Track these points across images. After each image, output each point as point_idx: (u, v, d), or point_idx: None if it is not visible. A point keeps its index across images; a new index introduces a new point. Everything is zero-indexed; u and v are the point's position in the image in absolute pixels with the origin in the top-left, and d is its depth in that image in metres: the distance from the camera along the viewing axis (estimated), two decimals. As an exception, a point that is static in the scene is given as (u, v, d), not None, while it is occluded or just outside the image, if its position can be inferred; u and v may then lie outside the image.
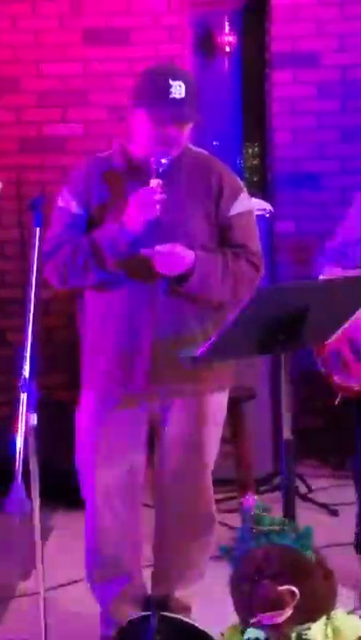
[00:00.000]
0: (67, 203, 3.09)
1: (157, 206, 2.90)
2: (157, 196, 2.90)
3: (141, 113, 2.98)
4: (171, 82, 2.93)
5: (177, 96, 2.93)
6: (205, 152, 3.22)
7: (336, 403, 3.71)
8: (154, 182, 2.92)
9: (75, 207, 3.07)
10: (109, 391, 3.11)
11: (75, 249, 3.01)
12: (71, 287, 3.12)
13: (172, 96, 2.93)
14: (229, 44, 5.35)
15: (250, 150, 5.52)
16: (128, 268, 2.99)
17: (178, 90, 2.93)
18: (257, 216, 4.92)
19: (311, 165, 5.33)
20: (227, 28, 5.34)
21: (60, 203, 3.11)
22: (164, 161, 2.93)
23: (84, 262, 3.00)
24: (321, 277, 3.73)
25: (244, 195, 3.16)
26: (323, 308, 2.77)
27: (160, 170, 2.93)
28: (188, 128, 3.01)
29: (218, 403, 3.21)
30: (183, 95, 2.93)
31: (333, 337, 3.04)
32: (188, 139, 3.06)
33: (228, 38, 5.34)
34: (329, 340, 3.13)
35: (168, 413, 3.12)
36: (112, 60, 5.28)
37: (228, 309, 3.07)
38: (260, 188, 5.41)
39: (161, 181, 2.92)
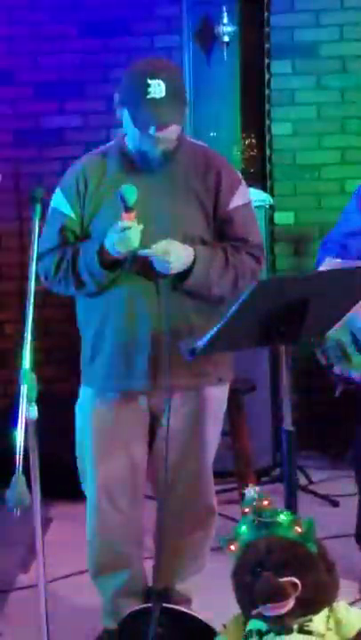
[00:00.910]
0: (59, 204, 3.09)
1: (136, 238, 2.87)
2: (133, 230, 2.86)
3: (125, 112, 2.95)
4: (149, 81, 2.85)
5: (155, 96, 2.84)
6: (203, 144, 3.20)
7: (337, 395, 3.70)
8: (127, 217, 2.87)
9: (67, 209, 3.07)
10: (109, 387, 3.10)
11: (59, 263, 3.03)
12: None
13: (149, 96, 2.85)
14: (228, 34, 5.32)
15: (248, 141, 5.50)
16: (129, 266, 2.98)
17: (157, 89, 2.84)
18: (256, 207, 4.93)
19: (310, 156, 5.32)
20: (225, 19, 5.31)
21: (54, 203, 3.11)
22: (133, 197, 2.86)
23: (64, 280, 3.04)
24: (321, 269, 3.72)
25: (243, 187, 3.14)
26: (323, 299, 2.76)
27: (130, 205, 2.86)
28: (174, 128, 2.95)
29: (218, 396, 3.20)
30: (163, 94, 2.85)
31: (334, 328, 3.03)
32: (178, 132, 2.99)
33: (226, 29, 5.31)
34: (330, 332, 3.12)
35: (168, 407, 3.11)
36: (109, 51, 5.27)
37: (230, 303, 3.05)
38: (259, 180, 5.39)
39: (133, 214, 2.87)
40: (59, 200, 3.09)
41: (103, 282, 2.99)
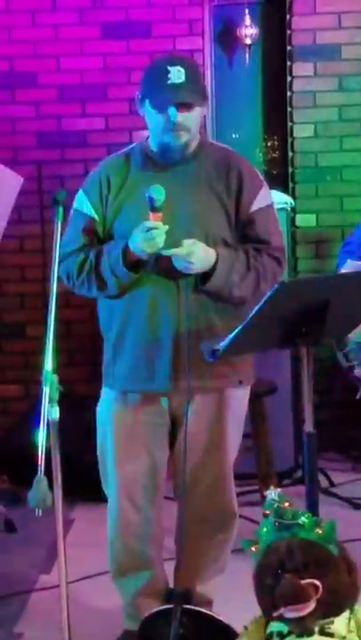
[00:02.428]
0: (82, 206, 3.10)
1: (160, 239, 2.88)
2: (158, 231, 2.88)
3: (147, 104, 3.00)
4: (168, 67, 2.94)
5: (176, 81, 2.92)
6: (225, 146, 3.21)
7: (358, 397, 3.70)
8: (153, 217, 2.89)
9: (90, 210, 3.08)
10: (130, 388, 3.11)
11: (82, 264, 3.04)
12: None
13: (170, 82, 2.92)
14: (250, 36, 5.33)
15: (270, 143, 5.50)
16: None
17: (176, 75, 2.92)
18: (278, 210, 4.93)
19: (332, 158, 5.32)
20: (247, 21, 5.32)
21: (76, 205, 3.12)
22: (161, 197, 2.87)
23: (87, 281, 3.04)
24: (342, 271, 3.73)
25: (265, 189, 3.14)
26: (344, 301, 2.76)
27: (157, 205, 2.88)
28: (194, 114, 2.98)
29: (238, 398, 3.20)
30: (183, 80, 2.92)
31: (355, 330, 3.02)
32: (198, 125, 3.02)
33: (248, 31, 5.32)
34: (351, 334, 3.12)
35: (189, 409, 3.11)
36: (132, 53, 5.28)
37: (251, 305, 3.06)
38: (281, 182, 5.40)
39: (160, 215, 2.89)
40: (81, 201, 3.11)
41: (126, 283, 3.00)
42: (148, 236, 2.88)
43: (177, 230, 2.94)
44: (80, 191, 3.14)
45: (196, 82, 2.99)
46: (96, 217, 3.08)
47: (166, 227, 2.88)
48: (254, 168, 3.19)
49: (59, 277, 2.86)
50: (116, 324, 3.11)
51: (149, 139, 3.09)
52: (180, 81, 2.92)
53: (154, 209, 2.88)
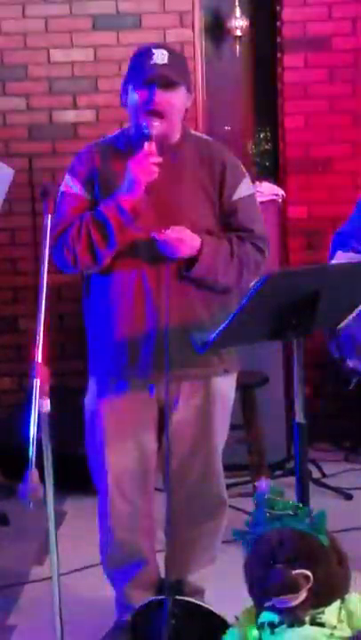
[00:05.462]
0: (71, 187, 3.09)
1: (155, 168, 2.90)
2: (154, 159, 2.91)
3: (130, 89, 3.00)
4: (153, 50, 2.97)
5: (159, 62, 2.95)
6: (207, 137, 3.24)
7: (350, 387, 3.71)
8: (148, 146, 2.92)
9: (80, 191, 3.07)
10: (116, 377, 3.11)
11: (80, 225, 3.00)
12: (81, 268, 3.07)
13: (153, 62, 2.95)
14: (240, 28, 5.32)
15: (261, 135, 5.50)
16: (136, 252, 2.99)
17: (160, 57, 2.95)
18: (269, 201, 4.94)
19: (323, 150, 5.32)
20: (237, 13, 5.31)
21: (64, 188, 3.10)
22: (156, 124, 2.92)
23: (89, 235, 2.98)
24: (333, 262, 3.73)
25: (247, 179, 3.17)
26: (335, 292, 2.77)
27: (152, 133, 2.92)
28: (176, 97, 2.99)
29: (225, 386, 3.21)
30: (166, 61, 2.95)
31: (346, 321, 3.03)
32: (179, 115, 3.03)
33: (238, 23, 5.31)
34: (342, 325, 3.13)
35: (176, 397, 3.12)
36: (122, 45, 5.26)
37: (234, 294, 3.09)
38: (272, 173, 5.40)
39: (155, 144, 2.92)
40: (70, 184, 3.09)
41: (125, 221, 2.95)
42: (147, 163, 2.89)
43: (163, 218, 2.95)
44: (67, 175, 3.12)
45: (180, 65, 3.01)
46: (87, 197, 3.06)
47: (160, 159, 2.91)
48: (236, 158, 3.20)
49: (54, 262, 2.85)
50: (101, 312, 3.11)
51: (132, 126, 3.08)
52: (162, 62, 2.95)
53: (150, 138, 2.92)
